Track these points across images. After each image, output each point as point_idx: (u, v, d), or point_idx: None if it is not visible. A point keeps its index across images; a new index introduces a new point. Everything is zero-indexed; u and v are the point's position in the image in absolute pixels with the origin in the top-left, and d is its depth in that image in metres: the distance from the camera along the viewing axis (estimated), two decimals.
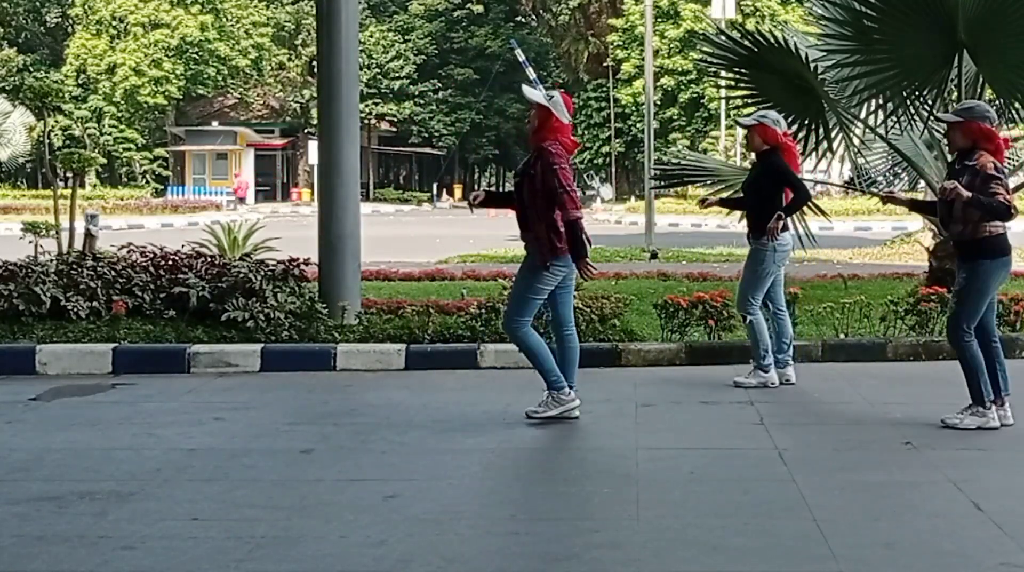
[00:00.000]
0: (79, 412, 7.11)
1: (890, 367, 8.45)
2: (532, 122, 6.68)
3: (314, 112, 39.10)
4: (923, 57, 9.53)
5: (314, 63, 33.12)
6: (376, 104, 53.39)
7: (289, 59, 56.06)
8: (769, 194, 7.65)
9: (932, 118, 10.34)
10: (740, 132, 41.78)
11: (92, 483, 5.36)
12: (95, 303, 9.07)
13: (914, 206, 7.64)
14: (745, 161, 39.78)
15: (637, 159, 48.32)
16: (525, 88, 7.00)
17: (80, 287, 9.13)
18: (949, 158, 10.68)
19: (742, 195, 8.22)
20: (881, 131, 10.61)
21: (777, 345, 7.82)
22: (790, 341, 7.92)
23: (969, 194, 6.17)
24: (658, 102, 42.47)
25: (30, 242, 11.33)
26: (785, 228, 7.68)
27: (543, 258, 6.50)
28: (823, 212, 11.10)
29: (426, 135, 56.34)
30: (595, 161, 53.99)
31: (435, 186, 55.62)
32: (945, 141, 10.74)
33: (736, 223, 11.88)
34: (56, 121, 45.20)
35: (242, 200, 46.00)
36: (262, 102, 56.47)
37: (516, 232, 6.83)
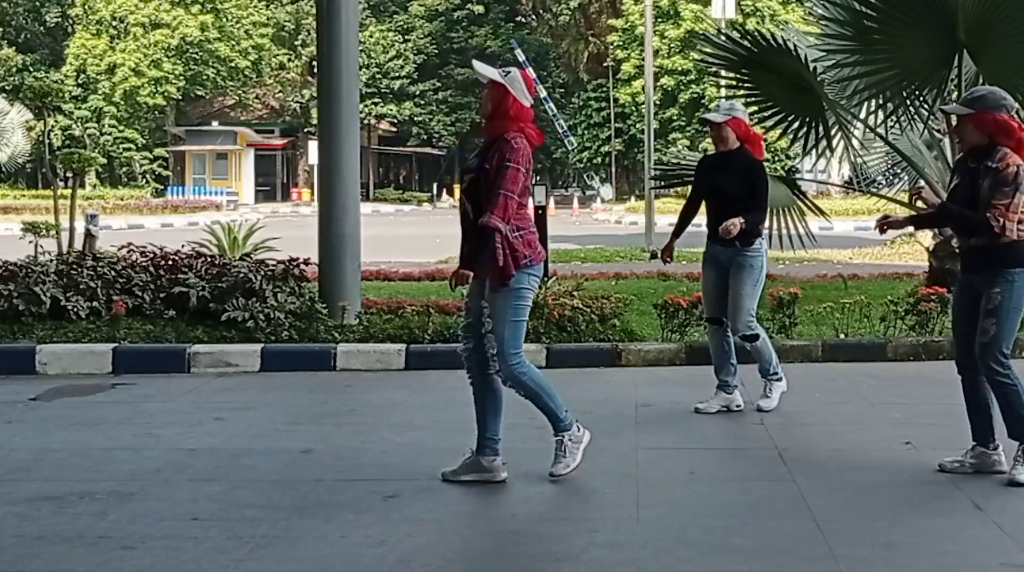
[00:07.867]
0: (79, 412, 7.11)
1: (890, 367, 8.44)
2: (485, 105, 5.32)
3: (314, 112, 39.05)
4: (923, 57, 9.53)
5: (314, 63, 32.96)
6: (376, 104, 53.33)
7: (289, 59, 55.99)
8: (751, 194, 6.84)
9: (932, 117, 10.36)
10: None
11: (92, 483, 5.36)
12: (95, 303, 9.07)
13: (915, 223, 6.26)
14: None
15: (637, 159, 48.27)
16: (476, 63, 5.51)
17: (80, 287, 9.13)
18: (952, 158, 10.77)
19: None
20: (881, 131, 10.61)
21: None
22: None
23: (936, 205, 5.61)
24: (658, 102, 42.39)
25: (30, 242, 11.33)
26: (758, 234, 6.97)
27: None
28: (822, 212, 11.12)
29: (426, 135, 56.28)
30: (595, 161, 53.97)
31: (435, 186, 55.56)
32: (946, 141, 10.84)
33: None
34: (56, 121, 45.13)
35: None
36: (262, 102, 56.43)
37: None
